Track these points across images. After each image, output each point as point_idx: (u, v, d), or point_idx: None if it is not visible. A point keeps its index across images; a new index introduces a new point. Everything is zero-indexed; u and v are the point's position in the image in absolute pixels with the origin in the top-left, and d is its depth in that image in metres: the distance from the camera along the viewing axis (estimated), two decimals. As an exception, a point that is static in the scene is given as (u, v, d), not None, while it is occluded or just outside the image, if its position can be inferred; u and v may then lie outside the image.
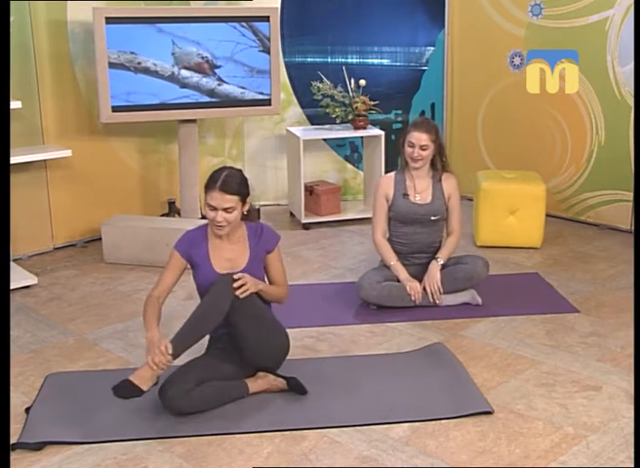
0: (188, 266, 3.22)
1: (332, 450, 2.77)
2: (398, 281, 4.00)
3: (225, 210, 3.06)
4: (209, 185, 3.07)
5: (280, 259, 3.29)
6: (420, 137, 3.94)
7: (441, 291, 3.97)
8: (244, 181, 3.13)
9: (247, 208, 3.16)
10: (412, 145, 3.97)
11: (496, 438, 2.84)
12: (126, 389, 2.90)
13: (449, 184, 4.09)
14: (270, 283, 3.29)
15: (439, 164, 4.08)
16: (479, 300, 4.00)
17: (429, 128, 3.98)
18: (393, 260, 4.04)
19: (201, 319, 3.00)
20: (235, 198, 3.06)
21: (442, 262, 4.02)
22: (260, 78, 5.06)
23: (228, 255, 3.18)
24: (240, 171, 3.18)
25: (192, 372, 3.00)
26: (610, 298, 4.16)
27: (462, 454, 2.74)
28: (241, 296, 3.00)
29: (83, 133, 5.03)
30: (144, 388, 2.91)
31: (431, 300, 3.97)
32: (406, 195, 4.05)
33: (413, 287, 3.95)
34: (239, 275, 3.05)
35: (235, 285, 3.01)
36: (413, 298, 3.94)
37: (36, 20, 4.70)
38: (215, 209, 3.06)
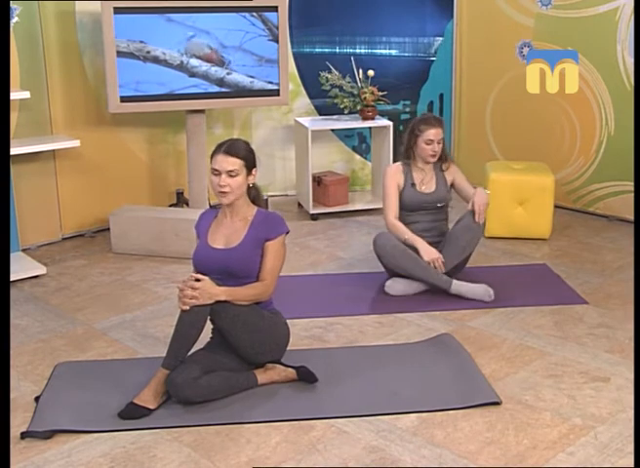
0: None
1: (340, 440, 2.78)
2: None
3: (229, 173, 3.02)
4: (215, 151, 3.07)
5: (277, 254, 3.10)
6: (437, 133, 4.16)
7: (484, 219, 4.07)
8: (250, 150, 3.11)
9: (252, 180, 3.12)
10: (430, 142, 4.15)
11: (503, 428, 2.84)
12: (133, 411, 2.90)
13: (450, 171, 4.29)
14: (258, 273, 3.11)
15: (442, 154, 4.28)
16: (492, 295, 3.97)
17: (440, 122, 4.23)
18: (407, 234, 4.08)
19: (184, 329, 2.93)
20: (239, 161, 3.03)
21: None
22: (269, 67, 5.05)
23: (226, 231, 3.14)
24: (247, 142, 3.16)
25: (198, 362, 3.00)
26: (618, 290, 4.15)
27: (470, 445, 2.74)
28: (182, 307, 2.90)
29: (91, 123, 5.04)
30: (152, 407, 2.92)
31: (478, 220, 4.02)
32: (413, 185, 4.21)
33: (431, 252, 3.98)
34: (198, 284, 2.90)
35: (184, 293, 2.89)
36: (434, 265, 3.97)
37: (44, 11, 4.70)
38: (218, 173, 3.03)
